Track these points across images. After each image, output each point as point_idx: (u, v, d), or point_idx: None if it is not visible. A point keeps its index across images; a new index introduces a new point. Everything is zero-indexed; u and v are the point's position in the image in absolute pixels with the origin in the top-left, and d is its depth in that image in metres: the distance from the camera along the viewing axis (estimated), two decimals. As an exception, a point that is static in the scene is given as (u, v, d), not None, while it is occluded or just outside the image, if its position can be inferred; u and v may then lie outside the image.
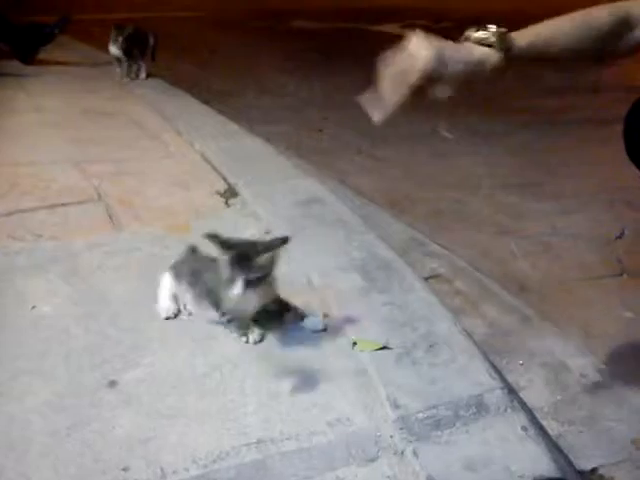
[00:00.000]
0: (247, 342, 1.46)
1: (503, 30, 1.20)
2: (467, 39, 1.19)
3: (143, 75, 4.33)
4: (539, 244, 2.34)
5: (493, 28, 1.20)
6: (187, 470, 1.12)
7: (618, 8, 1.31)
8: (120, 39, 4.13)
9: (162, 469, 1.12)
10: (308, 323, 1.54)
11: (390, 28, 8.08)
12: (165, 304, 1.57)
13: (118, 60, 4.25)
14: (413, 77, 1.15)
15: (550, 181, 2.98)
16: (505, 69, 1.20)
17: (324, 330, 1.52)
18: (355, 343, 1.46)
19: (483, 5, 10.84)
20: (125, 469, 1.12)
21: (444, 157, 3.25)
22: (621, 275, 2.13)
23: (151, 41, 4.32)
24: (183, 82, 4.33)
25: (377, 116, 1.18)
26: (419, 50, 1.16)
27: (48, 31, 4.77)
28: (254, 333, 1.47)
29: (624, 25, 1.29)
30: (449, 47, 1.17)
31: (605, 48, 1.30)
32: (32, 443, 1.17)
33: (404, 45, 1.18)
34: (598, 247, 2.31)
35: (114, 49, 4.17)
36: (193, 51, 6.06)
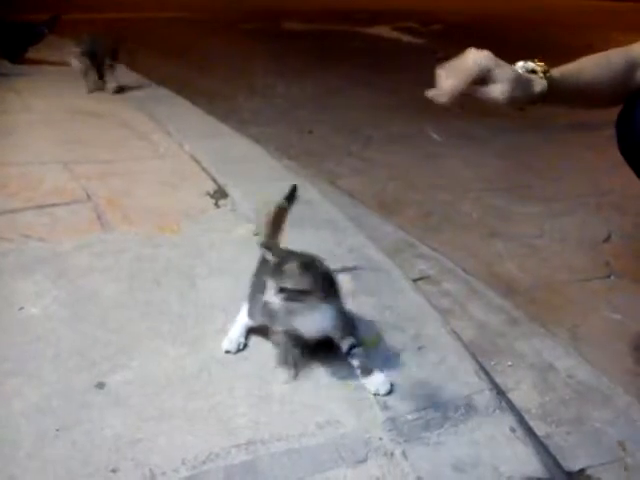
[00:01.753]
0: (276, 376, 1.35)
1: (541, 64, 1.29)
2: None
3: (113, 85, 3.97)
4: (527, 246, 2.35)
5: (531, 61, 1.29)
6: (176, 471, 1.11)
7: (629, 50, 1.41)
8: (79, 50, 3.92)
9: (151, 470, 1.11)
10: (370, 384, 1.33)
11: (381, 30, 8.11)
12: (234, 336, 1.47)
13: (83, 73, 4.00)
14: (469, 68, 1.21)
15: (538, 184, 3.00)
16: (545, 98, 1.27)
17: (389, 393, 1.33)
18: (353, 346, 1.43)
19: (473, 8, 10.90)
20: (114, 471, 1.11)
21: (433, 159, 3.27)
22: (609, 277, 2.14)
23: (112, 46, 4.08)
24: (172, 83, 4.32)
25: (442, 98, 1.22)
26: (475, 51, 1.24)
27: (37, 30, 4.74)
28: (291, 371, 1.35)
29: (633, 66, 1.38)
30: (510, 68, 1.25)
31: (619, 89, 1.39)
32: (20, 445, 1.16)
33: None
34: (586, 249, 2.33)
35: (74, 62, 3.94)
36: (183, 52, 6.05)
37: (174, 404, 1.27)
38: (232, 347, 1.44)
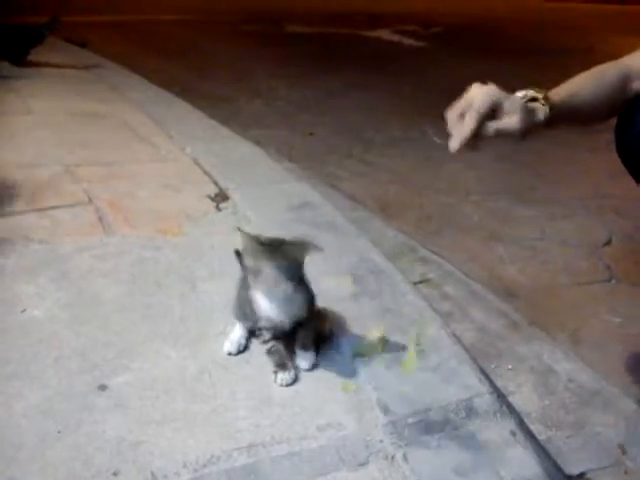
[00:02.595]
0: (275, 381, 1.35)
1: (538, 91, 1.29)
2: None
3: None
4: (528, 249, 2.36)
5: (530, 89, 1.29)
6: (178, 474, 1.12)
7: (620, 63, 1.41)
8: None
9: (152, 473, 1.12)
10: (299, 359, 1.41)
11: (382, 33, 8.12)
12: (235, 337, 1.48)
13: None
14: (479, 104, 1.20)
15: (539, 187, 3.00)
16: (548, 124, 1.27)
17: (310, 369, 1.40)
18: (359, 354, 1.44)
19: (474, 11, 10.91)
20: (115, 473, 1.12)
21: (434, 162, 3.27)
22: (609, 281, 2.15)
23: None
24: (174, 86, 4.33)
25: (453, 143, 1.24)
26: (481, 86, 1.23)
27: (38, 32, 4.74)
28: (284, 374, 1.36)
29: (626, 79, 1.38)
30: (515, 97, 1.25)
31: (615, 103, 1.39)
32: (22, 447, 1.17)
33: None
34: (586, 253, 2.33)
35: None
36: (184, 55, 6.06)
37: (175, 407, 1.28)
38: (233, 349, 1.45)
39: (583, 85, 1.37)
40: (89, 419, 1.24)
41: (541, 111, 1.26)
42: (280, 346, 1.41)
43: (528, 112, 1.23)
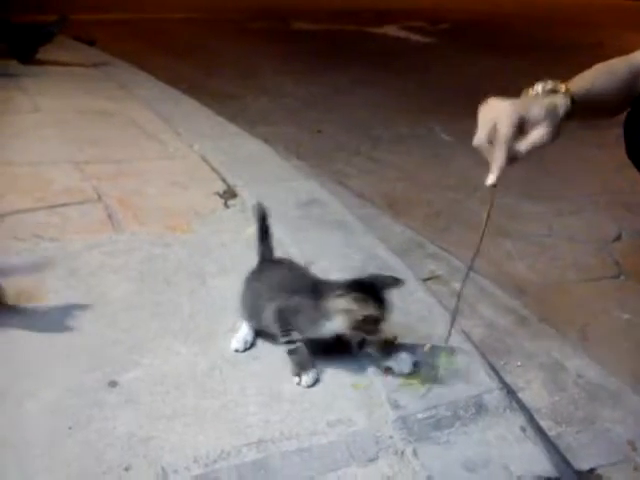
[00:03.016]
0: (299, 383, 1.34)
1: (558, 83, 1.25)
2: (533, 92, 1.24)
3: None
4: (536, 245, 2.35)
5: (546, 82, 1.25)
6: (188, 469, 1.12)
7: (630, 58, 1.37)
8: None
9: (163, 469, 1.12)
10: (395, 364, 1.38)
11: (389, 29, 8.11)
12: (242, 335, 1.48)
13: None
14: (504, 132, 1.17)
15: (546, 183, 2.99)
16: (568, 117, 1.22)
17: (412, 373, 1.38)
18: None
19: (482, 6, 10.87)
20: (126, 469, 1.12)
21: (442, 159, 3.27)
22: (618, 277, 2.14)
23: None
24: (182, 83, 4.33)
25: (490, 179, 1.26)
26: (500, 103, 1.19)
27: (46, 31, 4.76)
28: (308, 375, 1.35)
29: (637, 74, 1.35)
30: (520, 100, 1.21)
31: (625, 98, 1.36)
32: (33, 444, 1.17)
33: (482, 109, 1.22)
34: (595, 249, 2.33)
35: None
36: (192, 52, 6.06)
37: (186, 403, 1.28)
38: (240, 346, 1.46)
39: (597, 78, 1.34)
40: (100, 415, 1.24)
41: (562, 105, 1.21)
42: (303, 347, 1.39)
43: (551, 113, 1.19)
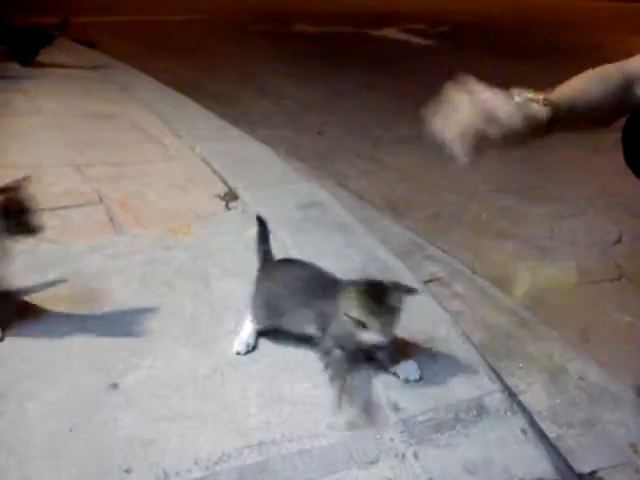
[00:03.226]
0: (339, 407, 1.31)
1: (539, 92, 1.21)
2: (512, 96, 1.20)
3: None
4: (537, 248, 2.35)
5: (525, 90, 1.21)
6: (189, 472, 1.12)
7: (624, 65, 1.32)
8: None
9: (164, 471, 1.12)
10: (400, 371, 1.38)
11: (389, 32, 8.12)
12: (244, 337, 1.48)
13: None
14: (469, 116, 1.17)
15: (547, 186, 3.00)
16: (550, 127, 1.20)
17: (418, 380, 1.37)
18: None
19: (482, 9, 10.88)
20: (127, 471, 1.12)
21: (442, 161, 3.24)
22: (619, 279, 2.14)
23: None
24: (182, 86, 4.33)
25: (460, 158, 1.23)
26: (474, 89, 1.18)
27: (47, 33, 4.77)
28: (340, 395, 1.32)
29: (630, 82, 1.30)
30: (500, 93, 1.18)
31: (617, 107, 1.31)
32: (34, 445, 1.17)
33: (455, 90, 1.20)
34: (596, 251, 2.33)
35: None
36: (193, 55, 6.07)
37: (186, 405, 1.28)
38: (242, 348, 1.46)
39: (588, 86, 1.29)
40: (101, 417, 1.24)
41: (539, 111, 1.18)
42: (342, 369, 1.36)
43: (524, 111, 1.16)
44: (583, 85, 1.30)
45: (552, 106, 1.19)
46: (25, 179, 1.47)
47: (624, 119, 1.39)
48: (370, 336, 1.29)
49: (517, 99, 1.18)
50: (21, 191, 1.45)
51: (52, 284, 1.71)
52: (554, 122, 1.19)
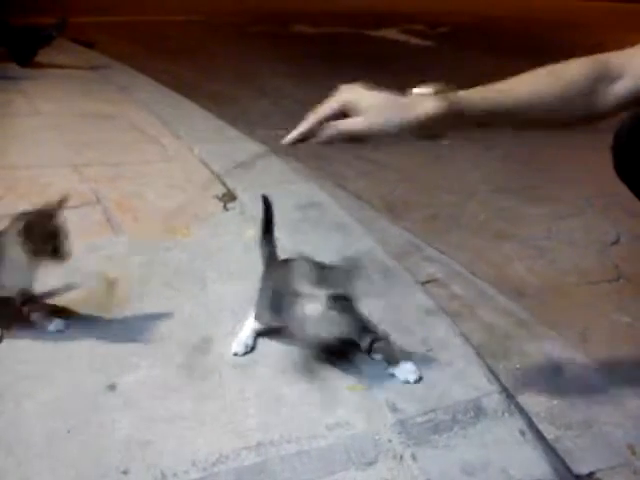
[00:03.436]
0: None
1: (445, 86, 1.16)
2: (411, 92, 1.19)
3: None
4: (535, 248, 2.35)
5: (435, 84, 1.16)
6: (187, 473, 1.12)
7: (593, 61, 1.20)
8: None
9: (162, 472, 1.12)
10: (399, 372, 1.38)
11: (388, 33, 8.12)
12: (242, 338, 1.48)
13: None
14: (323, 107, 1.18)
15: (545, 186, 3.00)
16: (449, 126, 1.15)
17: (418, 381, 1.38)
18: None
19: (481, 9, 10.89)
20: (125, 472, 1.12)
21: (440, 161, 3.27)
22: (618, 280, 2.14)
23: None
24: (181, 86, 4.33)
25: (285, 140, 1.22)
26: (345, 88, 1.20)
27: (46, 34, 4.76)
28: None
29: (601, 79, 1.17)
30: (378, 94, 1.19)
31: (574, 104, 1.18)
32: (32, 446, 1.17)
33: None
34: (594, 252, 2.33)
35: None
36: (192, 55, 6.07)
37: (184, 406, 1.28)
38: (240, 349, 1.45)
39: (527, 83, 1.18)
40: (98, 418, 1.24)
41: (422, 107, 1.13)
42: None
43: (395, 108, 1.13)
44: (524, 81, 1.19)
45: (455, 99, 1.13)
46: (60, 203, 1.46)
47: (614, 127, 1.36)
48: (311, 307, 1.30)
49: (414, 91, 1.18)
50: (54, 214, 1.44)
51: (49, 284, 1.70)
52: (459, 115, 1.13)
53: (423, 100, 1.14)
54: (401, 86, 1.24)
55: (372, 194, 2.80)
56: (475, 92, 1.15)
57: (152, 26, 7.86)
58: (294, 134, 1.19)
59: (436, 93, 1.15)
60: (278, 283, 1.45)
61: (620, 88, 1.18)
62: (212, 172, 2.63)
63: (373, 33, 8.13)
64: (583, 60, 1.20)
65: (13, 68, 4.54)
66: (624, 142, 1.38)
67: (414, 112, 1.13)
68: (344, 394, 1.33)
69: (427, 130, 1.15)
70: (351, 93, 1.17)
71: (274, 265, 1.55)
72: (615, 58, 1.19)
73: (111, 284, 1.72)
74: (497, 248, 2.33)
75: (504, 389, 1.40)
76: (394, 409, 1.28)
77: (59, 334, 1.49)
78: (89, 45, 5.78)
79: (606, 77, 1.18)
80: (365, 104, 1.14)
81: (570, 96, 1.17)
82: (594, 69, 1.18)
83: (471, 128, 1.21)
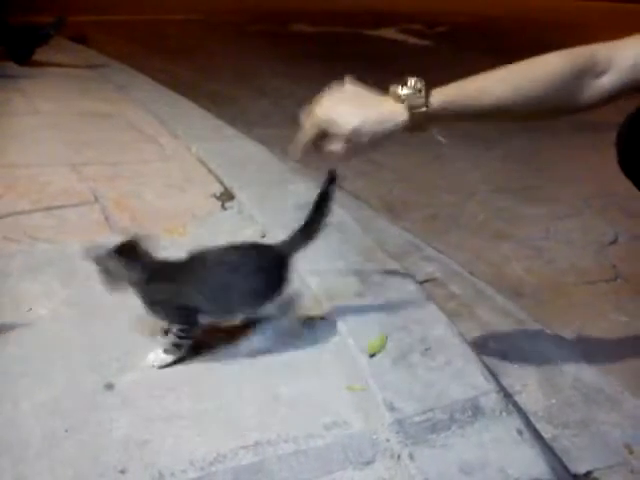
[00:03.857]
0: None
1: (420, 86, 1.17)
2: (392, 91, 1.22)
3: None
4: (533, 248, 2.36)
5: (413, 82, 1.18)
6: (185, 472, 1.12)
7: (576, 54, 1.19)
8: None
9: (159, 471, 1.12)
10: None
11: (387, 32, 8.12)
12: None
13: None
14: (308, 129, 1.22)
15: (544, 186, 3.00)
16: (419, 127, 1.18)
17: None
18: (373, 355, 1.44)
19: (479, 9, 10.89)
20: (122, 471, 1.12)
21: (439, 161, 3.27)
22: (615, 280, 2.14)
23: None
24: (180, 85, 4.33)
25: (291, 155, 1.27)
26: (318, 104, 1.23)
27: (43, 32, 4.76)
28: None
29: (585, 72, 1.17)
30: (354, 102, 1.24)
31: (558, 97, 1.18)
32: (29, 446, 1.17)
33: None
34: (592, 252, 2.33)
35: None
36: (191, 54, 6.06)
37: (182, 405, 1.28)
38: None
39: (505, 81, 1.18)
40: (96, 418, 1.24)
41: (397, 116, 1.18)
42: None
43: (359, 132, 1.18)
44: (500, 75, 1.19)
45: (428, 102, 1.16)
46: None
47: (620, 124, 1.37)
48: None
49: (398, 91, 1.20)
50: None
51: (47, 283, 1.70)
52: (432, 116, 1.17)
53: (395, 110, 1.19)
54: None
55: (370, 194, 2.80)
56: (452, 91, 1.16)
57: (150, 25, 7.86)
58: (297, 152, 1.26)
59: (415, 92, 1.17)
60: None
61: (605, 82, 1.18)
62: (210, 171, 2.63)
63: (372, 32, 8.13)
64: (564, 53, 1.19)
65: (11, 67, 4.54)
66: (628, 137, 1.38)
67: (388, 124, 1.19)
68: (341, 393, 1.33)
69: (407, 133, 1.19)
70: (325, 112, 1.22)
71: None
72: (601, 51, 1.18)
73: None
74: (495, 248, 2.34)
75: (502, 388, 1.40)
76: (392, 408, 1.28)
77: (56, 332, 1.49)
78: (80, 40, 5.74)
79: (591, 70, 1.17)
80: (333, 131, 1.20)
81: (552, 91, 1.17)
82: (577, 62, 1.17)
83: (451, 123, 1.21)
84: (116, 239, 1.37)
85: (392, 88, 1.22)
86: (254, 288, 1.39)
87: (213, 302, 1.37)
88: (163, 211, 2.21)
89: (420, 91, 1.18)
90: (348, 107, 1.19)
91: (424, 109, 1.16)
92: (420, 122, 1.18)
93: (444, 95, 1.17)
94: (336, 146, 1.19)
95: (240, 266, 1.37)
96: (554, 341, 1.75)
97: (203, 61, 5.81)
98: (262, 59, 6.05)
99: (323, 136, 1.22)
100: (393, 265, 1.88)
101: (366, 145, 1.18)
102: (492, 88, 1.17)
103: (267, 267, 1.41)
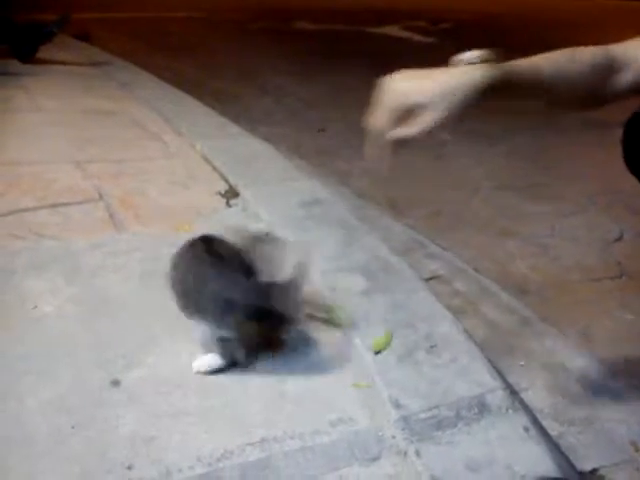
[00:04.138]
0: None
1: (492, 55, 1.16)
2: (456, 60, 1.17)
3: None
4: (538, 246, 2.35)
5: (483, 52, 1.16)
6: (192, 468, 1.12)
7: (600, 50, 1.21)
8: None
9: (167, 467, 1.12)
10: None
11: (390, 29, 8.11)
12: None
13: None
14: (387, 113, 1.14)
15: (549, 183, 3.00)
16: (496, 93, 1.13)
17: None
18: (378, 352, 1.44)
19: (483, 6, 10.87)
20: (130, 467, 1.12)
21: (443, 159, 3.27)
22: (620, 277, 2.14)
23: None
24: (184, 83, 4.33)
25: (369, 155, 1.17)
26: (391, 84, 1.16)
27: (47, 30, 4.76)
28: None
29: (607, 68, 1.19)
30: (425, 74, 1.14)
31: (588, 91, 1.20)
32: (36, 443, 1.17)
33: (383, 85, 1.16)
34: (597, 249, 2.33)
35: None
36: (194, 52, 6.06)
37: (189, 402, 1.28)
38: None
39: (550, 60, 1.20)
40: (103, 414, 1.24)
41: (478, 76, 1.12)
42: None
43: (448, 95, 1.10)
44: (549, 58, 1.21)
45: (500, 69, 1.14)
46: None
47: (626, 119, 1.36)
48: None
49: (466, 58, 1.17)
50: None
51: (52, 280, 1.71)
52: (502, 86, 1.13)
53: (476, 70, 1.13)
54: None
55: (375, 191, 2.80)
56: (518, 62, 1.17)
57: (153, 22, 7.86)
58: (377, 151, 1.17)
59: (482, 61, 1.15)
60: None
61: (621, 80, 1.19)
62: (214, 168, 2.62)
63: (375, 30, 8.12)
64: (594, 48, 1.21)
65: (15, 64, 4.54)
66: (634, 135, 1.38)
67: (466, 88, 1.11)
68: (347, 390, 1.33)
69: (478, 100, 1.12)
70: (401, 89, 1.14)
71: None
72: (616, 50, 1.20)
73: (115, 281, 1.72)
74: (500, 245, 2.33)
75: (508, 386, 1.40)
76: (398, 405, 1.28)
77: (62, 329, 1.49)
78: (84, 37, 5.74)
79: (613, 68, 1.19)
80: (419, 102, 1.11)
81: (590, 79, 1.18)
82: (606, 57, 1.19)
83: (508, 99, 1.17)
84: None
85: (459, 56, 1.19)
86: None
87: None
88: (168, 208, 2.21)
89: (490, 58, 1.17)
90: (423, 79, 1.15)
91: (497, 71, 1.14)
92: (495, 83, 1.13)
93: (507, 65, 1.16)
94: (423, 118, 1.12)
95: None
96: (559, 338, 1.75)
97: (206, 59, 5.81)
98: (264, 57, 6.04)
99: (398, 122, 1.16)
100: (398, 262, 1.88)
101: (454, 108, 1.12)
102: (541, 65, 1.19)
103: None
